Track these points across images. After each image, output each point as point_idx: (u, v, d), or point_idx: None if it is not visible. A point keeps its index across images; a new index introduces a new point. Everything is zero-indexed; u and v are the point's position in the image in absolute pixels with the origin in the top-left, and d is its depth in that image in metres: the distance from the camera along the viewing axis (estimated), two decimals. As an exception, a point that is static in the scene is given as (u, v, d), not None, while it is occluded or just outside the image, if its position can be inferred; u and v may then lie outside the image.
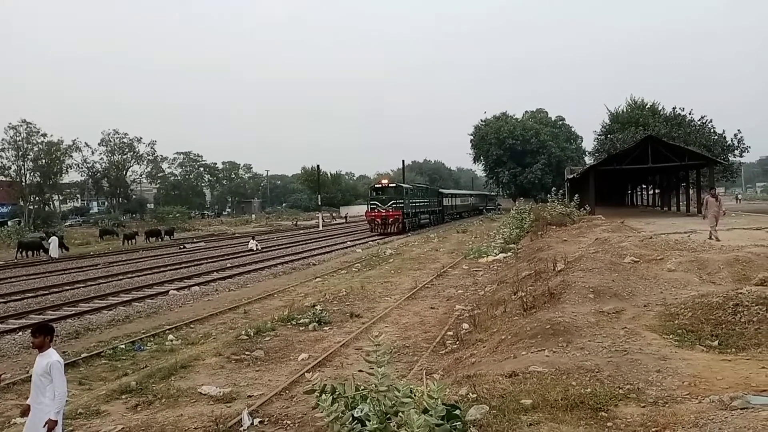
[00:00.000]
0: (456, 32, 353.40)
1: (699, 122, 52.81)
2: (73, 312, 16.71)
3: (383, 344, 5.00)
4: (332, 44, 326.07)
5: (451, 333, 11.69)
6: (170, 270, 26.56)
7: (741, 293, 8.41)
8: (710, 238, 17.14)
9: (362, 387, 5.57)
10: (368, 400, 5.15)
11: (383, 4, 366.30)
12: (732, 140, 51.54)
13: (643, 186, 61.43)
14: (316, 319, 13.44)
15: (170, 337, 12.94)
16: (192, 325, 14.25)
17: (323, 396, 4.77)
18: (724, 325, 7.81)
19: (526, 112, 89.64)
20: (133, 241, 47.50)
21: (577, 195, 34.47)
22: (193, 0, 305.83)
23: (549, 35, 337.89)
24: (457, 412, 5.18)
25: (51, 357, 5.58)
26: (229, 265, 27.63)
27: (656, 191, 55.17)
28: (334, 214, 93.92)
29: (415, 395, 5.01)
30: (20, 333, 13.94)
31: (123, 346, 12.10)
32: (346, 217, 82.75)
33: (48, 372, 5.50)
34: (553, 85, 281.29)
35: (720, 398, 5.26)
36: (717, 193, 21.20)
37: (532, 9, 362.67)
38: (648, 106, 59.14)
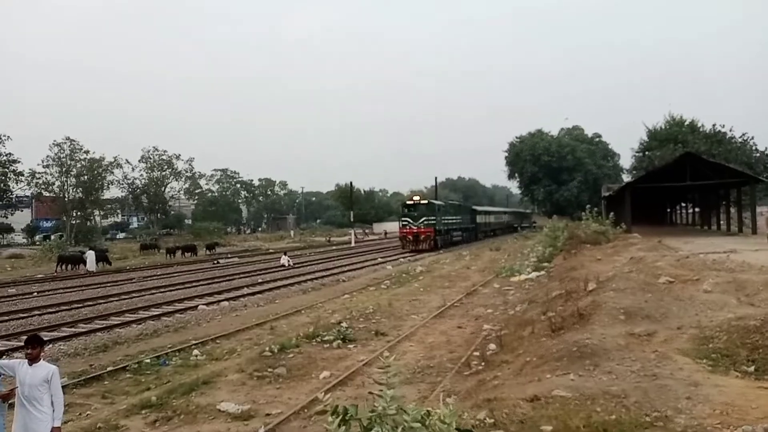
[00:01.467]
0: (497, 39, 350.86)
1: (740, 139, 51.41)
2: (103, 325, 16.96)
3: (393, 365, 4.83)
4: (367, 56, 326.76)
5: (477, 353, 11.42)
6: (202, 285, 26.80)
7: (780, 316, 8.00)
8: None
9: (378, 409, 5.40)
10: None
11: (415, 13, 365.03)
12: (775, 158, 50.03)
13: (682, 204, 59.89)
14: (341, 336, 13.30)
15: (195, 352, 12.97)
16: (218, 341, 14.27)
17: (330, 418, 4.62)
18: (761, 350, 7.41)
19: (562, 129, 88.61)
20: (173, 255, 48.62)
21: (612, 213, 33.67)
22: (227, 18, 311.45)
23: (580, 42, 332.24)
24: (472, 437, 4.96)
25: (49, 366, 5.68)
26: (260, 280, 27.77)
27: (696, 210, 53.71)
28: (367, 231, 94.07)
29: (430, 419, 4.82)
30: (50, 345, 14.13)
31: (148, 361, 12.18)
32: (384, 233, 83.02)
33: (48, 380, 5.54)
34: (587, 96, 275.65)
35: (753, 429, 4.95)
36: None
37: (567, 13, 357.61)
38: (687, 123, 57.83)
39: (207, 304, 20.28)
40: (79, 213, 77.59)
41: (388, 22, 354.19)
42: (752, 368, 6.98)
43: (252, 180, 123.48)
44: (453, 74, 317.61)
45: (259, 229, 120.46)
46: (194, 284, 27.21)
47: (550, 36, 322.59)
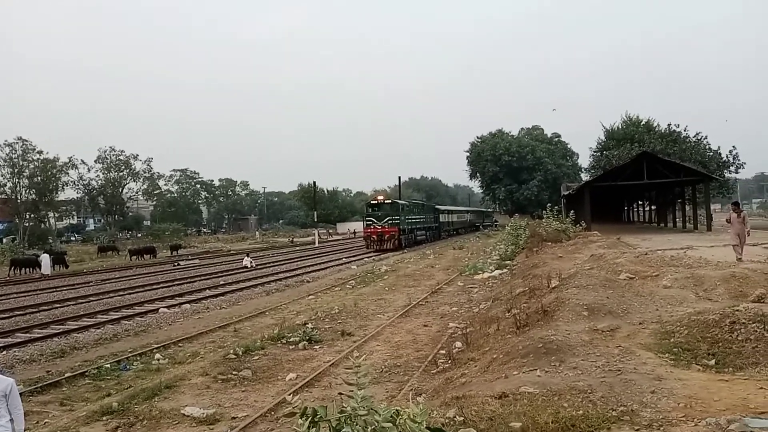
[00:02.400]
0: (454, 45, 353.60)
1: (694, 139, 52.82)
2: (60, 330, 16.46)
3: (363, 365, 4.78)
4: (333, 57, 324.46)
5: (443, 352, 11.44)
6: (162, 287, 26.26)
7: (738, 310, 8.21)
8: (738, 258, 15.81)
9: (347, 409, 5.34)
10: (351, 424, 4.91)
11: (385, 14, 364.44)
12: (727, 156, 51.49)
13: (640, 202, 61.37)
14: (307, 337, 13.18)
15: (157, 356, 12.69)
16: (180, 344, 13.99)
17: (300, 420, 4.54)
18: (720, 344, 7.59)
19: (522, 128, 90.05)
20: (138, 257, 47.58)
21: (572, 211, 34.28)
22: (193, 13, 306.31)
23: (544, 49, 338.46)
24: (443, 436, 4.93)
25: (5, 379, 5.38)
26: (222, 282, 27.36)
27: (652, 207, 55.06)
28: (330, 231, 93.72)
29: (400, 418, 4.79)
30: (4, 352, 13.66)
31: (108, 366, 11.88)
32: (354, 233, 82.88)
33: (6, 395, 5.27)
34: (548, 99, 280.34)
35: (717, 421, 5.04)
36: (741, 209, 18.65)
37: (530, 23, 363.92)
38: (643, 122, 59.12)
39: (168, 307, 19.87)
40: (32, 215, 75.33)
41: (366, 23, 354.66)
42: (713, 362, 7.14)
43: (212, 180, 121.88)
44: (416, 81, 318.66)
45: (221, 230, 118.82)
46: (154, 287, 26.67)
47: (519, 44, 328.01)
